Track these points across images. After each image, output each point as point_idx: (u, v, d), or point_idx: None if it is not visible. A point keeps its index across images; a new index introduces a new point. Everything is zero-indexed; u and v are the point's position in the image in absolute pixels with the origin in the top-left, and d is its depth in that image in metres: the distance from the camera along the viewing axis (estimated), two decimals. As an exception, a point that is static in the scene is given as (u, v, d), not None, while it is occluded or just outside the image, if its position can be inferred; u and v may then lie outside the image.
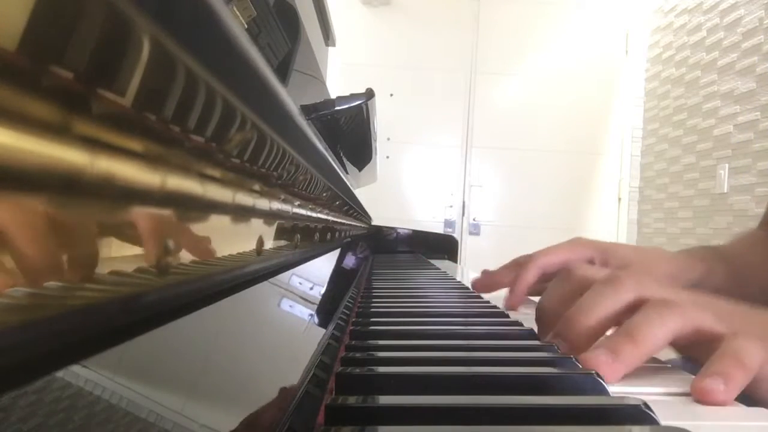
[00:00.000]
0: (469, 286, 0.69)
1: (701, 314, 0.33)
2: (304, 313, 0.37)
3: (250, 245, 0.25)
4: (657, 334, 0.32)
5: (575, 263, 0.52)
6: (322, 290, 0.47)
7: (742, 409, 0.27)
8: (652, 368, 0.35)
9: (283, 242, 0.32)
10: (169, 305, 0.16)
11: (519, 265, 0.61)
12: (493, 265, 0.67)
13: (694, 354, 0.34)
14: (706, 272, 0.59)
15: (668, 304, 0.33)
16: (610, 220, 3.28)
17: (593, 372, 0.28)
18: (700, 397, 0.28)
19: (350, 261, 0.85)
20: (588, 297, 0.36)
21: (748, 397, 0.30)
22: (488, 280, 0.65)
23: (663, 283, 0.37)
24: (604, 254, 0.59)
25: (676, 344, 0.34)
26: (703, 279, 0.59)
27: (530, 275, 0.58)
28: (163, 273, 0.15)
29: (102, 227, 0.12)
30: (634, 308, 0.34)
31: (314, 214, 0.46)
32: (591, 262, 0.59)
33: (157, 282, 0.15)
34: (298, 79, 0.59)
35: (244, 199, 0.23)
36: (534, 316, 0.43)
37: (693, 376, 0.31)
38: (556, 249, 0.60)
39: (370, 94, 0.65)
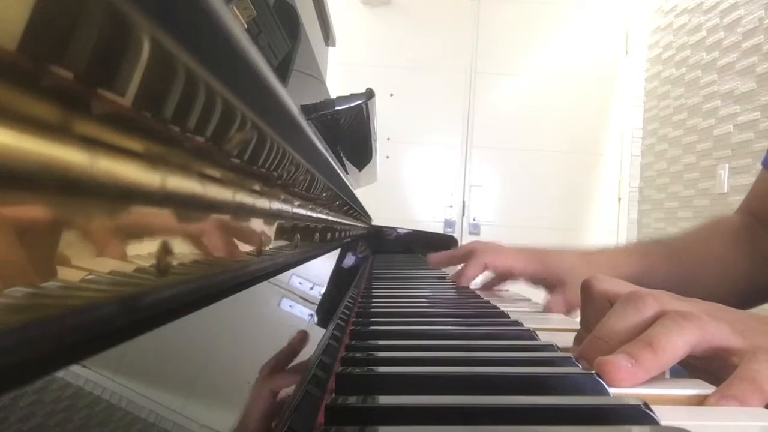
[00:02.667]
0: (469, 286, 0.69)
1: (718, 327, 0.32)
2: (304, 313, 0.37)
3: (250, 245, 0.25)
4: (676, 344, 0.31)
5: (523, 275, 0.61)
6: (322, 290, 0.47)
7: (742, 409, 0.27)
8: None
9: (283, 242, 0.32)
10: (169, 305, 0.16)
11: (459, 257, 0.69)
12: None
13: (709, 368, 0.33)
14: (647, 267, 0.62)
15: (686, 315, 0.32)
16: (610, 220, 3.27)
17: (593, 372, 0.28)
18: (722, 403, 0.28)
19: (350, 261, 0.86)
20: (611, 318, 0.35)
21: None
22: (440, 261, 0.76)
23: (680, 297, 0.36)
24: (547, 265, 0.63)
25: (690, 357, 0.33)
26: (642, 275, 0.61)
27: (474, 271, 0.67)
28: (163, 273, 0.15)
29: (102, 227, 0.12)
30: (652, 321, 0.33)
31: (314, 214, 0.46)
32: (535, 273, 0.64)
33: (157, 282, 0.15)
34: (298, 79, 0.59)
35: (245, 199, 0.23)
36: (519, 312, 0.46)
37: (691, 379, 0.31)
38: (503, 254, 0.66)
39: (370, 94, 0.65)
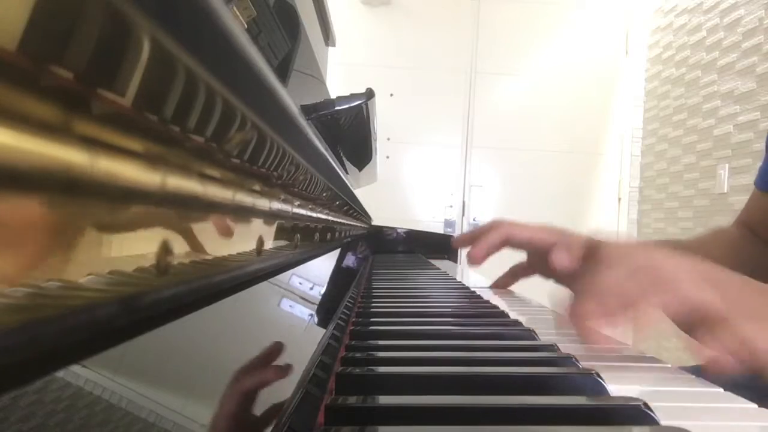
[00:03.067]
0: (469, 286, 0.69)
1: (697, 292, 0.35)
2: (304, 313, 0.37)
3: (250, 245, 0.25)
4: (654, 308, 0.35)
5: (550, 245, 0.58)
6: (322, 290, 0.47)
7: (742, 409, 0.27)
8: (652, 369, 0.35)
9: (283, 242, 0.32)
10: (169, 305, 0.16)
11: (490, 227, 0.65)
12: (492, 265, 0.68)
13: (689, 325, 0.36)
14: None
15: (665, 281, 0.36)
16: (610, 220, 3.27)
17: (593, 372, 0.28)
18: (710, 367, 0.32)
19: (350, 261, 0.85)
20: (605, 274, 0.39)
21: (747, 388, 0.31)
22: (464, 239, 0.69)
23: (673, 254, 0.41)
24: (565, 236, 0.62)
25: (674, 315, 0.37)
26: None
27: (493, 240, 0.62)
28: (163, 273, 0.15)
29: (102, 227, 0.12)
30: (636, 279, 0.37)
31: (314, 214, 0.46)
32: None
33: (157, 282, 0.15)
34: (298, 79, 0.59)
35: (244, 199, 0.23)
36: (528, 313, 0.45)
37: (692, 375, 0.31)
38: (525, 226, 0.64)
39: (370, 94, 0.65)
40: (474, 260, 0.62)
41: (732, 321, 0.34)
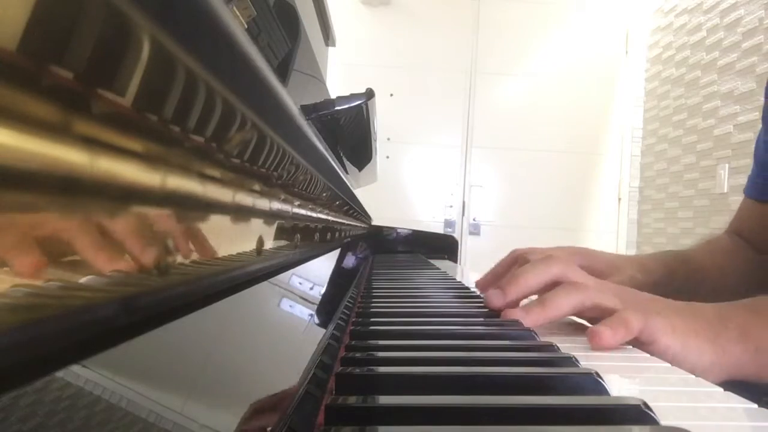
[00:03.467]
0: (469, 286, 0.69)
1: (601, 294, 0.44)
2: (304, 313, 0.37)
3: (250, 245, 0.25)
4: (561, 304, 0.44)
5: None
6: (322, 290, 0.47)
7: (741, 408, 0.27)
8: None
9: (283, 242, 0.32)
10: (169, 305, 0.16)
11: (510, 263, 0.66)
12: (492, 265, 0.67)
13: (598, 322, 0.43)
14: (667, 274, 0.69)
15: (577, 285, 0.46)
16: (610, 220, 3.27)
17: (593, 372, 0.28)
18: (592, 340, 0.39)
19: (350, 261, 0.86)
20: (526, 267, 0.50)
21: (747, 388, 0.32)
22: (486, 282, 0.66)
23: (582, 271, 0.50)
24: (588, 257, 0.68)
25: (582, 315, 0.47)
26: (663, 281, 0.69)
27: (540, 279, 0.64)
28: (163, 273, 0.15)
29: (102, 227, 0.12)
30: (555, 285, 0.47)
31: (314, 214, 0.46)
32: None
33: (157, 282, 0.15)
34: (298, 79, 0.59)
35: (244, 199, 0.23)
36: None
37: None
38: (542, 252, 0.66)
39: (370, 94, 0.65)
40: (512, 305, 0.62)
41: (620, 310, 0.42)
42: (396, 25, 3.27)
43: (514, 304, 0.48)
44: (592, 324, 0.43)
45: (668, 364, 0.36)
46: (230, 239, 0.22)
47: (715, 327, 0.42)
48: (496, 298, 0.49)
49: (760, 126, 0.79)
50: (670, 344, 0.40)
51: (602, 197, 3.31)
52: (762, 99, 0.76)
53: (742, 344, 0.41)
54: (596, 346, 0.39)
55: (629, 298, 0.46)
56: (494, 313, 0.50)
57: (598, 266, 0.66)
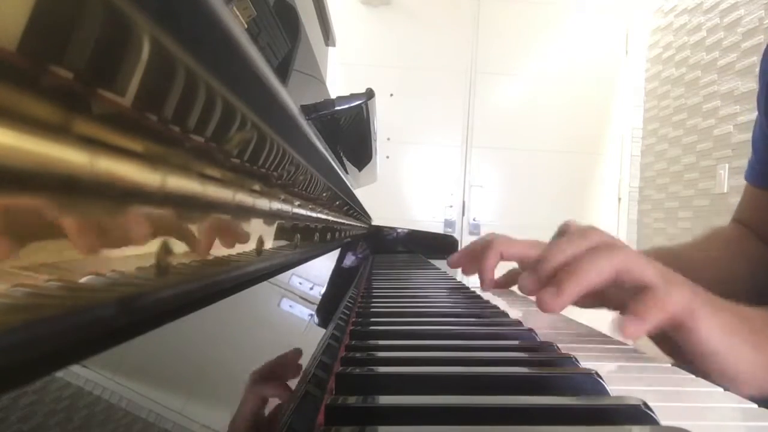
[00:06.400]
0: (469, 286, 0.69)
1: (645, 263, 0.37)
2: (304, 313, 0.37)
3: (250, 245, 0.25)
4: (600, 266, 0.37)
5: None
6: (322, 290, 0.47)
7: (742, 408, 0.27)
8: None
9: (283, 242, 0.32)
10: (169, 305, 0.16)
11: (478, 251, 0.67)
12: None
13: (625, 299, 0.38)
14: None
15: (613, 246, 0.38)
16: (610, 220, 3.27)
17: (593, 372, 0.28)
18: (617, 331, 0.34)
19: (350, 261, 0.86)
20: (560, 240, 0.42)
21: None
22: (459, 259, 0.72)
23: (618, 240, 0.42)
24: None
25: (610, 287, 0.39)
26: None
27: (492, 260, 0.65)
28: (163, 273, 0.15)
29: (102, 227, 0.12)
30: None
31: (314, 214, 0.46)
32: None
33: (157, 282, 0.15)
34: (298, 79, 0.59)
35: (244, 199, 0.23)
36: (528, 313, 0.47)
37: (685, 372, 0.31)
38: (517, 243, 0.67)
39: (370, 94, 0.65)
40: (487, 287, 0.67)
41: (657, 286, 0.36)
42: (396, 25, 3.27)
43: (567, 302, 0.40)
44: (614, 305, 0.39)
45: (668, 365, 0.36)
46: (230, 239, 0.22)
47: (761, 336, 0.37)
48: (550, 300, 0.38)
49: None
50: (711, 337, 0.35)
51: (602, 197, 3.30)
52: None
53: None
54: (625, 336, 0.34)
55: (673, 276, 0.39)
56: (495, 312, 0.50)
57: None
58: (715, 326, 0.35)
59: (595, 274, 0.37)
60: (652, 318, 0.34)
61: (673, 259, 0.71)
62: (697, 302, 0.35)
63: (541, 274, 0.41)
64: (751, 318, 0.39)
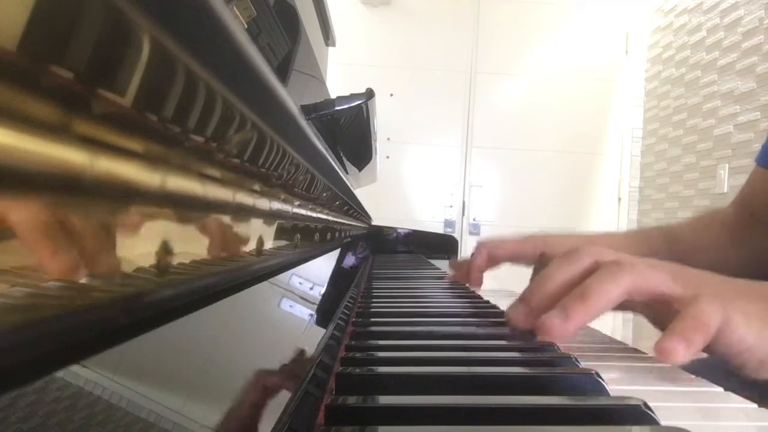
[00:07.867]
0: (469, 286, 0.69)
1: (656, 274, 0.34)
2: (304, 313, 0.37)
3: (250, 245, 0.25)
4: (609, 290, 0.33)
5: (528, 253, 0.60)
6: (322, 290, 0.47)
7: (742, 409, 0.27)
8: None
9: (283, 242, 0.32)
10: (169, 305, 0.16)
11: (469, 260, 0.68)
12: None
13: (657, 317, 0.35)
14: (647, 252, 0.62)
15: (620, 263, 0.34)
16: (610, 220, 3.27)
17: (593, 372, 0.28)
18: (663, 358, 0.30)
19: (350, 261, 0.85)
20: (548, 267, 0.38)
21: (746, 388, 0.31)
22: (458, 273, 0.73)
23: (620, 251, 0.38)
24: (550, 246, 0.62)
25: (633, 306, 0.36)
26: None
27: (481, 260, 0.66)
28: (163, 273, 0.15)
29: (102, 227, 0.12)
30: (591, 273, 0.35)
31: (314, 214, 0.46)
32: (535, 255, 0.62)
33: (157, 282, 0.15)
34: (298, 79, 0.59)
35: (244, 199, 0.23)
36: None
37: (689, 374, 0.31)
38: (505, 242, 0.66)
39: (370, 94, 0.65)
40: (475, 285, 0.67)
41: (685, 296, 0.33)
42: (396, 25, 3.27)
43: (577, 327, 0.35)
44: (642, 313, 0.35)
45: (668, 364, 0.36)
46: (230, 239, 0.22)
47: None
48: (558, 325, 0.34)
49: (760, 126, 0.78)
50: (744, 335, 0.32)
51: (602, 197, 3.30)
52: (762, 98, 0.74)
53: None
54: (670, 362, 0.31)
55: (688, 277, 0.36)
56: (495, 312, 0.50)
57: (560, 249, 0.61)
58: (749, 325, 0.33)
59: (605, 301, 0.34)
60: (698, 342, 0.31)
61: (673, 241, 0.70)
62: (728, 308, 0.33)
63: (532, 305, 0.38)
64: (765, 294, 0.36)
